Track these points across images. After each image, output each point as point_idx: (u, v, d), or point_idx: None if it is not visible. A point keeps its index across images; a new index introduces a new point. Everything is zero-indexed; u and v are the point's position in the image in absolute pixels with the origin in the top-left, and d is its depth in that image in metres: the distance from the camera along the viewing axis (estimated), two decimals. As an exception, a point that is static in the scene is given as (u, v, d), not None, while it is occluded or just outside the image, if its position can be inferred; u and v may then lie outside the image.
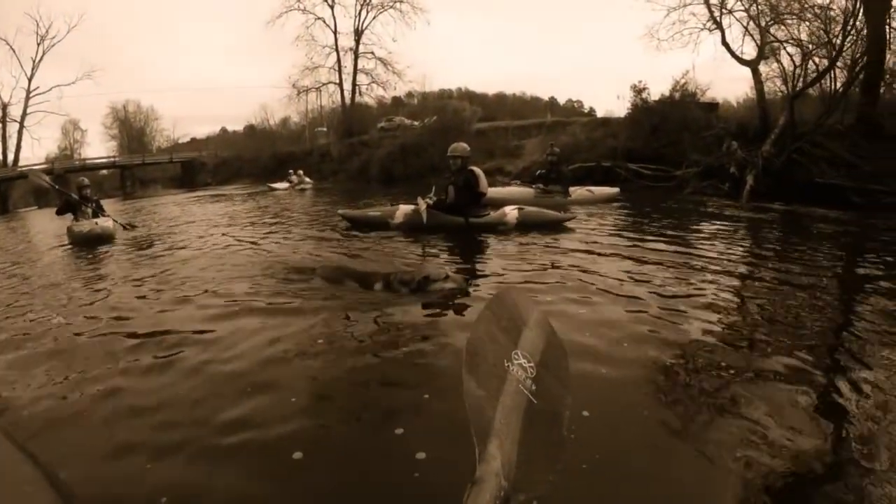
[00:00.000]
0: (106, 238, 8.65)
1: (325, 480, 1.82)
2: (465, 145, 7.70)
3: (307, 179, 25.16)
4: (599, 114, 29.69)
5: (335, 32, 36.06)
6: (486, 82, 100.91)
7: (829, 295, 4.20)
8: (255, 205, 14.68)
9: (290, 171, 25.80)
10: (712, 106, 18.57)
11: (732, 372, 2.56)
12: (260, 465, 1.88)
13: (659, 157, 15.53)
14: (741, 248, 6.28)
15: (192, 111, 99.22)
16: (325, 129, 37.43)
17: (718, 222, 8.73)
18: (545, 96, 54.48)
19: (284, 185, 24.03)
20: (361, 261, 5.27)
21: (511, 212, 7.51)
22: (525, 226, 7.35)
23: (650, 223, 8.44)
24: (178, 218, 12.33)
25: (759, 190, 12.34)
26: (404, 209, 7.70)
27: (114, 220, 9.39)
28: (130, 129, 53.10)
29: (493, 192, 10.47)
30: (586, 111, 37.66)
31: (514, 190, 11.73)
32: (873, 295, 4.15)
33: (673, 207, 11.00)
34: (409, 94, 38.85)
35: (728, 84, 43.42)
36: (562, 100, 54.36)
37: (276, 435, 2.06)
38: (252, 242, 7.22)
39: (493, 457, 1.23)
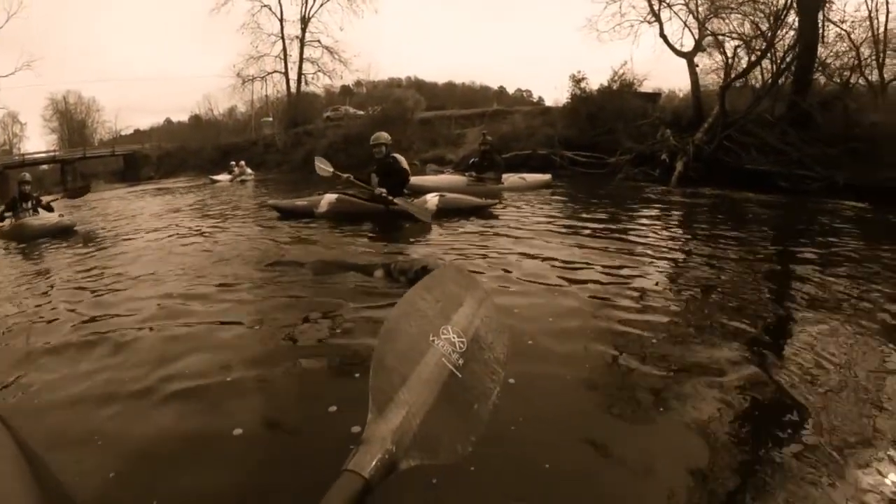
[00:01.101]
0: (61, 231, 8.19)
1: (265, 455, 1.84)
2: (386, 134, 7.71)
3: (248, 171, 24.48)
4: (548, 103, 29.77)
5: (281, 20, 34.97)
6: (437, 72, 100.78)
7: (761, 275, 4.34)
8: (196, 198, 14.13)
9: (232, 162, 25.03)
10: (653, 96, 19.08)
11: (668, 358, 2.54)
12: (201, 444, 1.90)
13: (594, 145, 15.85)
14: (671, 231, 6.45)
15: (136, 102, 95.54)
16: (270, 119, 36.56)
17: (649, 206, 8.95)
18: (495, 85, 54.34)
19: (226, 177, 23.33)
20: (345, 252, 5.13)
21: (432, 198, 7.48)
22: (446, 212, 7.33)
23: (582, 208, 8.60)
24: (122, 213, 11.79)
25: (690, 175, 12.81)
26: (329, 198, 7.58)
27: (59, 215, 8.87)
28: (71, 121, 50.74)
29: (427, 180, 10.78)
30: (535, 100, 37.44)
31: (447, 178, 11.63)
32: (804, 275, 4.31)
33: (605, 193, 11.21)
34: (358, 83, 38.04)
35: (677, 75, 44.00)
36: (511, 89, 54.09)
37: (216, 413, 2.09)
38: (201, 235, 7.00)
39: (385, 421, 1.24)
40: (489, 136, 12.66)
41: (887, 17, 19.45)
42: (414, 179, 9.69)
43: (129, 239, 7.05)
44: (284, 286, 3.88)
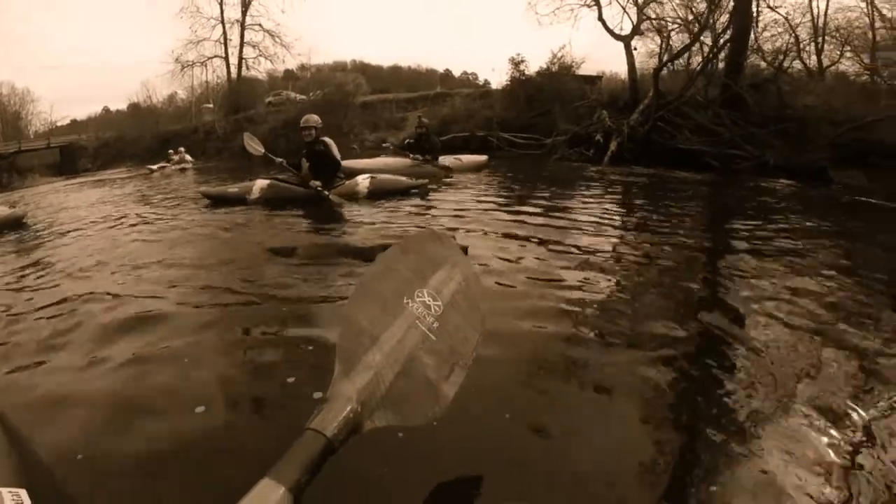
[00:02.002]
0: (12, 223, 7.63)
1: (227, 430, 1.84)
2: (315, 117, 7.52)
3: (188, 158, 23.62)
4: (494, 86, 29.65)
5: (221, 3, 33.50)
6: (384, 55, 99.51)
7: (695, 250, 4.48)
8: (134, 188, 13.36)
9: (170, 150, 24.12)
10: (593, 79, 19.18)
11: (607, 334, 2.57)
12: (164, 424, 1.89)
13: (532, 126, 15.93)
14: (605, 208, 6.52)
15: (73, 91, 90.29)
16: (211, 105, 35.43)
17: (582, 184, 9.22)
18: (441, 68, 53.80)
19: (165, 165, 22.46)
20: (346, 237, 5.02)
21: (363, 180, 7.45)
22: (377, 193, 7.32)
23: (519, 188, 8.79)
24: (58, 206, 10.99)
25: (624, 155, 13.10)
26: (260, 184, 7.35)
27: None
28: (4, 113, 48.35)
29: (368, 162, 10.66)
30: (481, 83, 37.08)
31: (389, 160, 11.43)
32: (736, 249, 4.47)
33: (540, 173, 11.46)
34: (302, 67, 37.20)
35: (620, 58, 44.57)
36: (457, 72, 53.57)
37: (178, 393, 2.09)
38: (142, 224, 6.59)
39: (351, 381, 1.24)
40: (425, 118, 12.64)
41: (827, 4, 20.18)
42: (354, 162, 9.97)
43: (70, 231, 6.64)
44: (256, 273, 3.75)
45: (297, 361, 2.28)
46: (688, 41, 15.12)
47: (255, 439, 1.77)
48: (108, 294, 3.49)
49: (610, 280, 3.45)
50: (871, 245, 5.23)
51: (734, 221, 5.82)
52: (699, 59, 14.93)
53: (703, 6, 14.58)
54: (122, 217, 7.42)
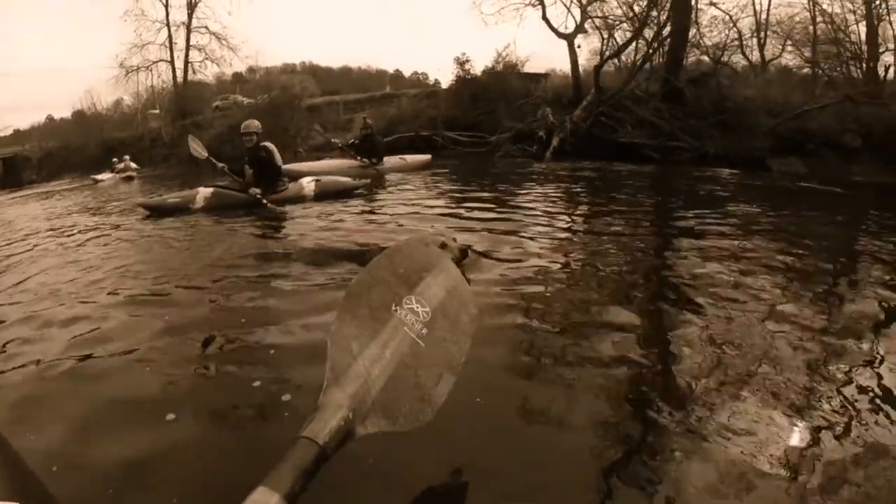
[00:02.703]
0: None
1: (199, 435, 1.84)
2: (256, 122, 7.50)
3: (133, 166, 22.98)
4: (445, 86, 29.52)
5: (166, 6, 32.03)
6: (335, 56, 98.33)
7: (639, 239, 4.52)
8: (77, 200, 12.81)
9: (115, 159, 23.40)
10: (538, 76, 19.36)
11: (556, 325, 2.59)
12: (136, 432, 1.86)
13: (477, 124, 15.99)
14: (548, 202, 6.68)
15: (14, 99, 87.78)
16: (157, 111, 34.57)
17: (525, 180, 9.40)
18: (391, 69, 53.14)
19: (109, 175, 21.75)
20: (295, 240, 4.94)
21: (308, 184, 7.52)
22: (323, 195, 7.38)
23: (462, 185, 8.97)
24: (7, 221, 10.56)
25: (566, 150, 13.34)
26: (204, 192, 7.18)
27: None
28: (-56, 126, 47.06)
29: (312, 165, 10.86)
30: (431, 83, 36.63)
31: (333, 162, 11.65)
32: (680, 237, 4.63)
33: (484, 170, 11.58)
34: (251, 70, 36.30)
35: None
36: (408, 72, 53.05)
37: (145, 402, 2.05)
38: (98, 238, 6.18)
39: (342, 388, 1.26)
40: (370, 119, 12.68)
41: (770, 1, 20.63)
42: (299, 166, 10.14)
43: (15, 248, 6.33)
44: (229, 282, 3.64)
45: (260, 365, 2.28)
46: (629, 38, 15.43)
47: (229, 443, 1.79)
48: (62, 306, 3.39)
49: (559, 273, 3.47)
50: (812, 227, 5.45)
51: (678, 210, 5.96)
52: (647, 52, 15.28)
53: (643, 3, 14.84)
54: (67, 231, 7.13)
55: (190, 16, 32.22)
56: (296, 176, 8.00)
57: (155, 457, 1.70)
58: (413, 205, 6.56)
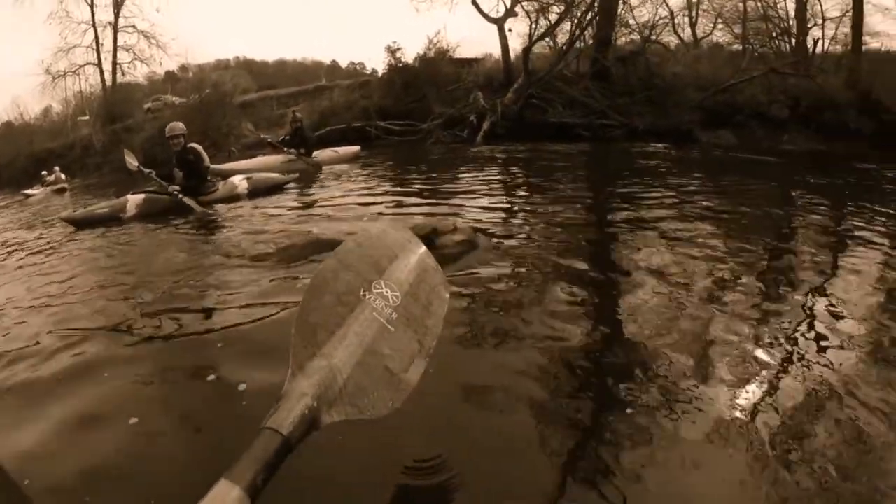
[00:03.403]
0: None
1: (162, 439, 1.80)
2: (181, 124, 7.42)
3: (63, 177, 22.03)
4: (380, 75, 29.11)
5: (91, 6, 30.55)
6: (270, 49, 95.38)
7: (574, 217, 4.58)
8: (11, 218, 12.18)
9: (44, 172, 22.40)
10: (469, 61, 19.22)
11: (500, 309, 2.56)
12: (98, 438, 1.81)
13: (410, 112, 15.87)
14: (484, 186, 6.71)
15: None
16: (87, 117, 33.20)
17: (458, 165, 9.43)
18: (328, 60, 52.11)
19: (39, 189, 20.77)
20: (234, 240, 4.75)
21: (241, 182, 7.54)
22: (256, 192, 7.43)
23: (392, 174, 9.07)
24: None
25: (499, 133, 13.43)
26: (135, 200, 6.95)
27: None
28: None
29: (244, 163, 10.63)
30: (368, 73, 35.90)
31: (264, 159, 11.32)
32: (616, 212, 4.73)
33: (415, 157, 11.57)
34: (183, 68, 35.07)
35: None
36: (344, 63, 52.02)
37: (107, 408, 2.00)
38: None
39: (306, 377, 1.23)
40: (300, 113, 12.52)
41: None
42: (233, 165, 10.19)
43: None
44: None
45: (213, 360, 2.26)
46: (556, 20, 15.63)
47: (195, 439, 1.78)
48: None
49: (500, 259, 3.41)
50: (745, 195, 5.67)
51: (612, 185, 6.16)
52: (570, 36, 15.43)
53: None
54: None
55: (116, 15, 30.82)
56: (227, 175, 7.97)
57: (123, 461, 1.68)
58: (344, 196, 6.59)
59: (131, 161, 7.69)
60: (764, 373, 1.93)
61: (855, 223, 4.52)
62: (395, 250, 1.69)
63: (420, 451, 1.58)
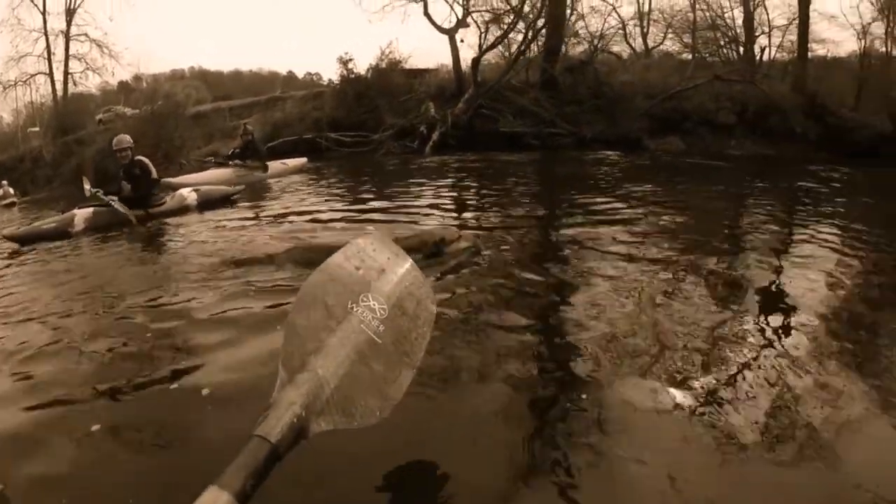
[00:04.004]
0: None
1: (123, 446, 1.82)
2: (128, 137, 7.32)
3: (11, 192, 21.33)
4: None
5: (44, 13, 29.39)
6: (227, 59, 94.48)
7: (527, 226, 4.67)
8: None
9: (-8, 186, 21.68)
10: (421, 72, 19.18)
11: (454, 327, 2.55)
12: (61, 444, 1.82)
13: (362, 124, 15.83)
14: (434, 196, 6.85)
15: None
16: (37, 129, 32.11)
17: (407, 176, 9.61)
18: (284, 70, 51.41)
19: None
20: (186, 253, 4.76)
21: (189, 194, 7.51)
22: (205, 204, 7.41)
23: (341, 186, 9.11)
24: None
25: (450, 143, 13.52)
26: (83, 214, 6.75)
27: None
28: None
29: (195, 177, 10.45)
30: (325, 83, 35.41)
31: (215, 172, 11.16)
32: (568, 218, 4.86)
33: (365, 168, 11.74)
34: (137, 78, 34.19)
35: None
36: (301, 73, 51.24)
37: (69, 416, 2.02)
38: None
39: (295, 386, 1.25)
40: (250, 125, 12.48)
41: None
42: (184, 178, 10.01)
43: None
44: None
45: (175, 368, 2.28)
46: (504, 31, 15.81)
47: (158, 442, 1.79)
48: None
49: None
50: (694, 197, 5.89)
51: (563, 193, 6.34)
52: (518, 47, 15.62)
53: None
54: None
55: (69, 23, 29.72)
56: (176, 188, 7.94)
57: (89, 467, 1.70)
58: (297, 206, 6.68)
59: (86, 186, 7.39)
60: (714, 368, 2.05)
61: (801, 221, 4.93)
62: (382, 264, 1.72)
63: (404, 462, 1.62)
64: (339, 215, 5.68)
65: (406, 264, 1.81)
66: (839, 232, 4.42)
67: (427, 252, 3.61)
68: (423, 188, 7.56)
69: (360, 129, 15.63)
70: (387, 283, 1.63)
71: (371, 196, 7.14)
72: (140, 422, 1.93)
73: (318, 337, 1.38)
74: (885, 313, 2.80)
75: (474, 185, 8.06)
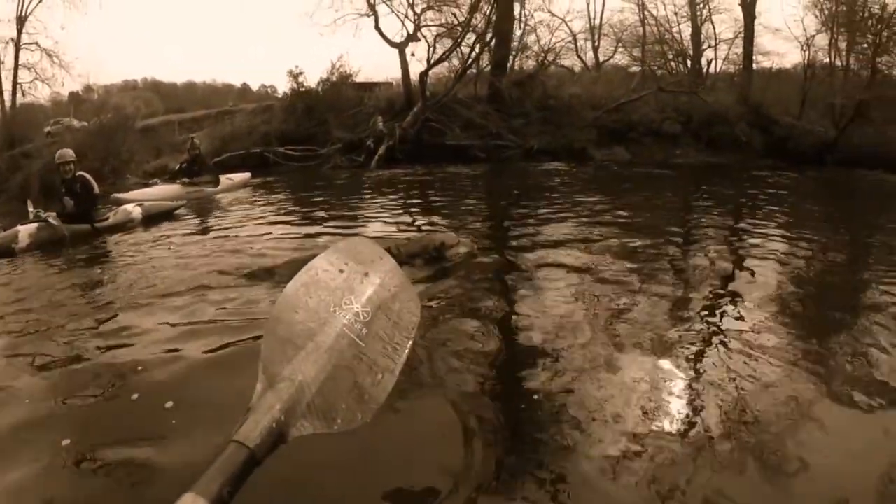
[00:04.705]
0: None
1: (96, 458, 1.79)
2: (70, 151, 7.39)
3: (-51, 209, 20.64)
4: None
5: None
6: (180, 70, 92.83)
7: (480, 236, 4.78)
8: None
9: (-68, 204, 20.95)
10: (370, 86, 19.26)
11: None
12: (30, 458, 1.80)
13: (311, 138, 15.72)
14: (381, 210, 6.97)
15: None
16: (-16, 142, 31.01)
17: (354, 190, 9.83)
18: (238, 83, 50.61)
19: None
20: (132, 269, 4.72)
21: (134, 208, 7.53)
22: (150, 219, 7.43)
23: (287, 201, 9.23)
24: None
25: (397, 157, 13.60)
26: (27, 230, 6.53)
27: None
28: None
29: (141, 192, 10.10)
30: (279, 96, 35.09)
31: (161, 188, 10.87)
32: (517, 227, 5.01)
33: (311, 183, 11.65)
34: (88, 89, 33.31)
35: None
36: (255, 86, 50.32)
37: (39, 430, 2.01)
38: None
39: (275, 391, 1.23)
40: (197, 140, 12.40)
41: (603, 8, 22.76)
42: (130, 194, 9.57)
43: None
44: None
45: (138, 381, 2.28)
46: (451, 45, 15.82)
47: (127, 455, 1.77)
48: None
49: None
50: (641, 204, 6.12)
51: (510, 203, 6.54)
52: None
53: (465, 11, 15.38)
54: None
55: (20, 31, 28.95)
56: (122, 203, 7.92)
57: (61, 479, 1.70)
58: (239, 222, 6.79)
59: (31, 210, 7.18)
60: (668, 368, 2.17)
61: (746, 223, 5.22)
62: (366, 267, 1.71)
63: (384, 467, 1.65)
64: (283, 229, 5.76)
65: (390, 268, 1.82)
66: (783, 231, 4.79)
67: (428, 256, 3.74)
68: (366, 202, 7.73)
69: (309, 142, 15.56)
70: (370, 286, 1.63)
71: (312, 209, 7.23)
72: (103, 438, 1.90)
73: (298, 340, 1.35)
74: (826, 306, 3.05)
75: (418, 196, 8.24)
